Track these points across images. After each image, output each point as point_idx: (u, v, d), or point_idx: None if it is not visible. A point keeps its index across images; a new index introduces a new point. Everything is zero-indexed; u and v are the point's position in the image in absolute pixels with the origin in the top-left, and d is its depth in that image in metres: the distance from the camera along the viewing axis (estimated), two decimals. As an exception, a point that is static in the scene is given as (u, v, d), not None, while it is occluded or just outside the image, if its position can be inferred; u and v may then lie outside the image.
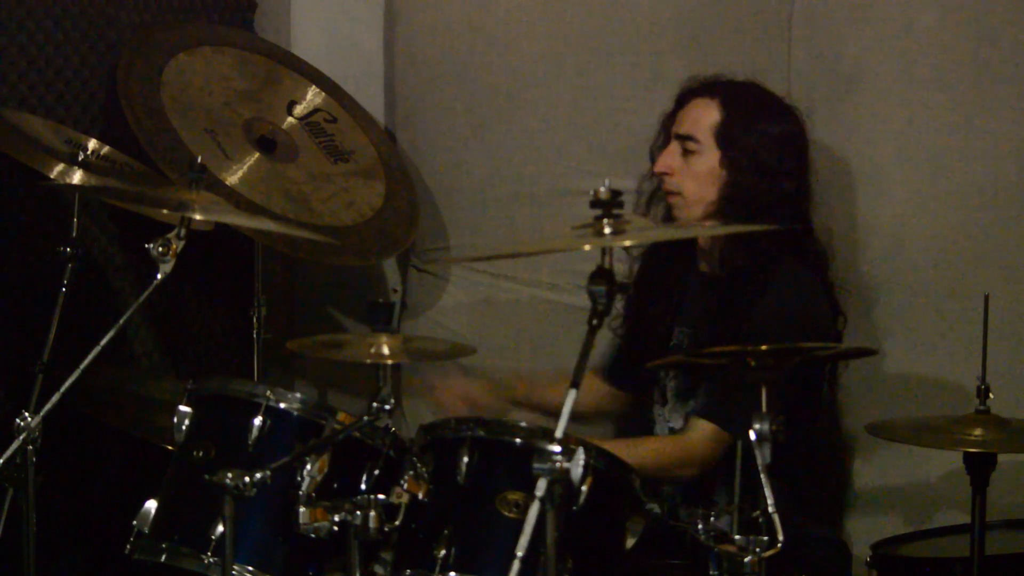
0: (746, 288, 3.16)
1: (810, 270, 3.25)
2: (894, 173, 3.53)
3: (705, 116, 3.23)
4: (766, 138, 3.21)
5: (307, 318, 4.24)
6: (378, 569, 2.74)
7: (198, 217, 2.81)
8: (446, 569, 2.65)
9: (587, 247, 2.43)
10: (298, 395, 2.88)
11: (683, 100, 3.29)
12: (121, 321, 2.74)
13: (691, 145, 3.23)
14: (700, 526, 2.63)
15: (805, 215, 3.27)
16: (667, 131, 3.31)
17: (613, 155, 3.67)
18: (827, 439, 3.50)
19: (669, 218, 3.29)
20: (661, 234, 3.10)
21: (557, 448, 2.20)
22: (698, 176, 3.22)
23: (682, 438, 3.17)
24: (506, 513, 2.66)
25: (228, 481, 2.53)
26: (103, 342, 2.72)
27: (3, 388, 3.56)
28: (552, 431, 2.24)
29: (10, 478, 2.84)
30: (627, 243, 3.00)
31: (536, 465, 2.21)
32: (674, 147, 3.25)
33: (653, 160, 3.32)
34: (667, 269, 3.34)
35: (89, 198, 3.50)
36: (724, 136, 3.20)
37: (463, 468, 2.70)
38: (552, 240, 3.06)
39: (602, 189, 2.37)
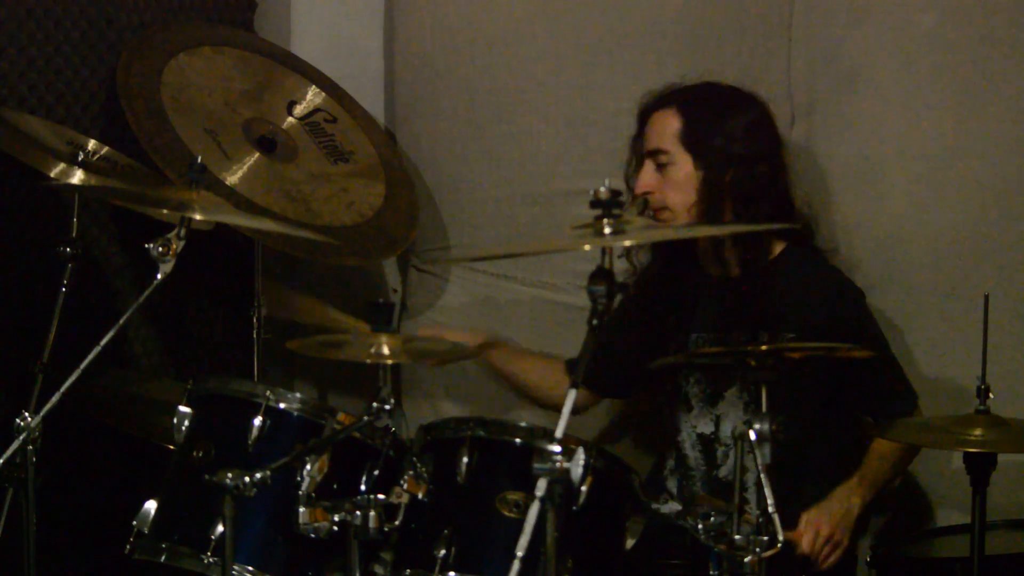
0: (772, 282, 3.19)
1: (814, 252, 3.31)
2: (894, 173, 3.53)
3: (667, 126, 3.24)
4: (732, 130, 3.23)
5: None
6: (378, 569, 2.75)
7: (198, 217, 2.81)
8: (446, 569, 2.65)
9: (587, 247, 2.42)
10: (298, 395, 2.89)
11: (644, 118, 3.31)
12: (121, 321, 2.74)
13: (662, 158, 3.24)
14: (700, 526, 2.63)
15: (786, 192, 3.29)
16: (638, 153, 3.32)
17: (613, 155, 3.66)
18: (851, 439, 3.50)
19: None
20: (662, 234, 3.09)
21: (557, 448, 2.20)
22: (678, 185, 3.22)
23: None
24: (506, 513, 2.66)
25: (228, 481, 2.53)
26: (103, 342, 2.71)
27: (3, 388, 3.56)
28: (552, 431, 2.23)
29: (10, 478, 2.84)
30: (627, 243, 3.01)
31: (536, 465, 2.21)
32: (648, 165, 3.26)
33: (629, 186, 3.32)
34: (674, 277, 3.33)
35: (89, 198, 3.50)
36: (689, 139, 3.22)
37: (463, 468, 2.70)
38: (552, 240, 3.06)
39: (602, 189, 2.37)
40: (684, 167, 3.22)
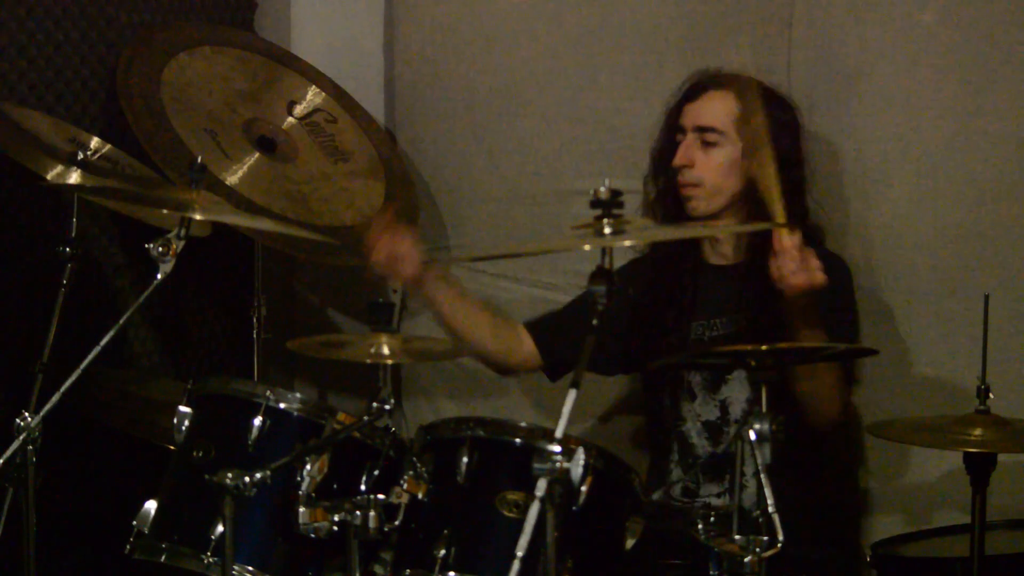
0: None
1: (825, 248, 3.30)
2: (894, 172, 3.53)
3: (724, 107, 3.23)
4: (781, 127, 3.23)
5: (307, 318, 4.24)
6: (378, 569, 2.75)
7: (198, 217, 2.81)
8: (446, 569, 2.65)
9: (587, 247, 2.42)
10: (298, 395, 2.89)
11: (694, 93, 3.28)
12: (121, 321, 2.74)
13: (712, 136, 3.22)
14: (700, 526, 2.63)
15: (804, 203, 3.29)
16: (672, 126, 3.29)
17: (613, 155, 3.67)
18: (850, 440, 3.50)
19: (681, 211, 3.27)
20: (662, 233, 3.09)
21: (557, 448, 2.20)
22: (720, 167, 3.21)
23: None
24: (506, 513, 2.66)
25: (228, 481, 2.53)
26: (103, 342, 2.72)
27: (3, 388, 3.56)
28: (552, 431, 2.23)
29: (10, 478, 2.84)
30: (627, 243, 3.00)
31: (536, 465, 2.21)
32: (692, 139, 3.24)
33: (655, 160, 3.30)
34: (674, 265, 3.33)
35: (88, 199, 3.50)
36: (746, 126, 3.20)
37: (463, 468, 2.70)
38: (552, 240, 3.05)
39: (602, 189, 2.37)
40: (732, 151, 3.21)
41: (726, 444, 3.21)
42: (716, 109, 3.24)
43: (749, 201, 3.21)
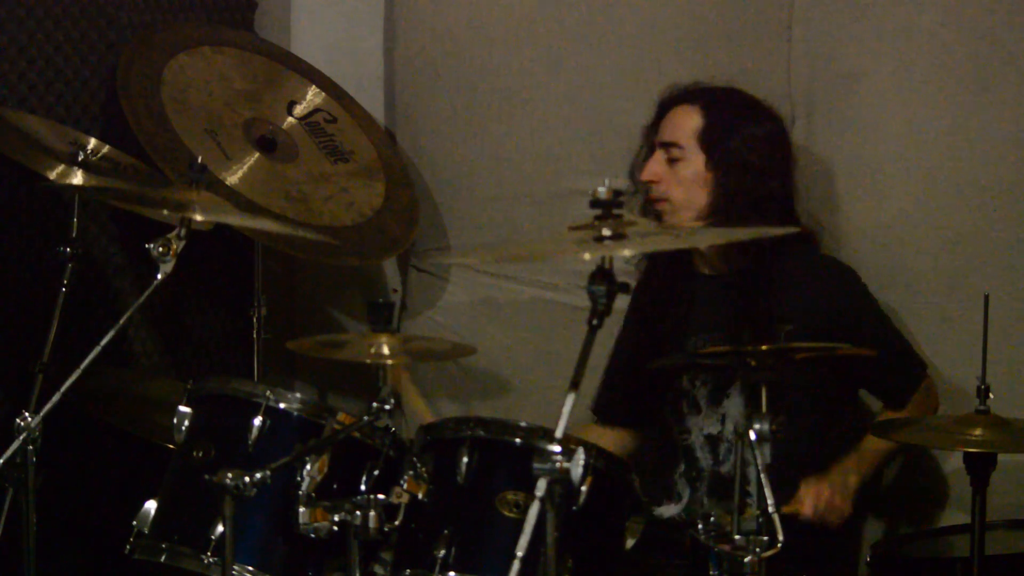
0: (784, 279, 3.19)
1: (805, 242, 3.31)
2: (894, 173, 3.53)
3: (687, 122, 3.26)
4: (750, 139, 3.25)
5: (307, 318, 4.24)
6: (378, 569, 2.74)
7: (198, 217, 2.81)
8: (446, 569, 2.65)
9: (587, 256, 2.41)
10: (298, 395, 2.89)
11: (663, 109, 3.32)
12: (121, 321, 2.74)
13: (675, 152, 3.25)
14: (700, 526, 2.63)
15: (792, 211, 3.30)
16: (650, 142, 3.33)
17: (613, 155, 3.66)
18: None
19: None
20: (662, 239, 3.08)
21: (557, 448, 2.20)
22: (684, 181, 3.24)
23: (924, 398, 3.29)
24: (506, 513, 2.66)
25: (228, 481, 2.53)
26: (103, 342, 2.72)
27: (3, 388, 3.56)
28: (552, 431, 2.23)
29: (10, 478, 2.84)
30: (627, 252, 3.00)
31: (536, 465, 2.20)
32: (659, 155, 3.28)
33: (633, 175, 3.32)
34: (666, 280, 3.33)
35: (89, 198, 3.50)
36: (707, 140, 3.23)
37: (463, 468, 2.70)
38: (552, 245, 3.05)
39: (602, 189, 2.37)
40: (695, 165, 3.24)
41: (730, 466, 3.21)
42: (677, 124, 3.27)
43: (718, 213, 3.21)
